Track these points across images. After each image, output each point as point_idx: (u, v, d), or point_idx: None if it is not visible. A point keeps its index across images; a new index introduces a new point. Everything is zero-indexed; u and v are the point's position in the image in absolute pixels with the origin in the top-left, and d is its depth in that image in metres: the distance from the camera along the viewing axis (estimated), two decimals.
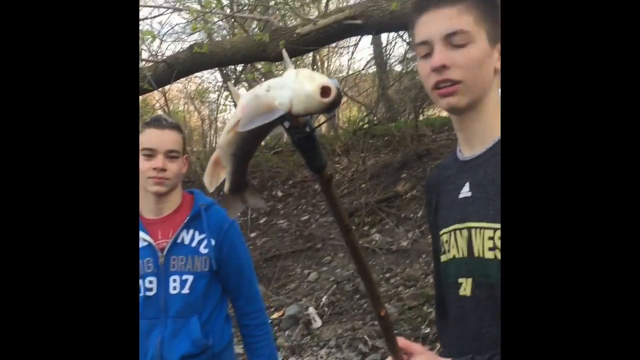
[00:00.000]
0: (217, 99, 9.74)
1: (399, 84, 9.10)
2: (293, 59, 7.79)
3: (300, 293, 5.58)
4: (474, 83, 1.08)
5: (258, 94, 0.85)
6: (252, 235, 7.24)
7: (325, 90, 0.80)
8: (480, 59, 1.07)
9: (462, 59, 1.06)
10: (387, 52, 9.39)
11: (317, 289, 5.53)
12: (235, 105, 1.02)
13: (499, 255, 1.05)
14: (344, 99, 9.76)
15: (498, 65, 1.11)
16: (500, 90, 1.15)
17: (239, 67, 8.19)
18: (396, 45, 9.11)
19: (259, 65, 7.25)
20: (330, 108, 0.82)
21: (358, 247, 1.00)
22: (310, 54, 8.89)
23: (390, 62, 9.56)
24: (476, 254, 1.10)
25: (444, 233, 1.19)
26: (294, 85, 0.81)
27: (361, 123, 8.91)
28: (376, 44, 9.50)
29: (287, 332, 4.87)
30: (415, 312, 4.42)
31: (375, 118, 8.54)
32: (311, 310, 5.03)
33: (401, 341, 1.09)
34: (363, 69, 9.85)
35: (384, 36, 8.75)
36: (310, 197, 7.65)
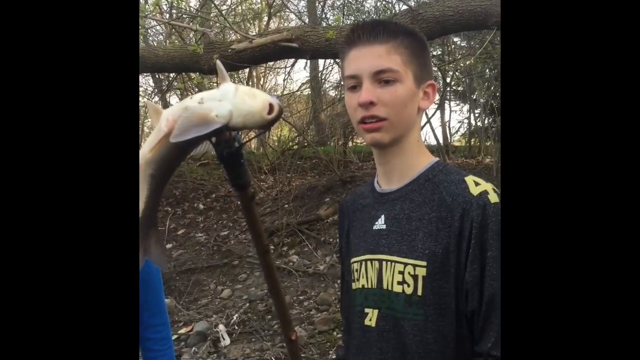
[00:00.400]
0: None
1: (331, 109, 9.24)
2: (227, 73, 7.75)
3: (212, 309, 5.48)
4: (399, 121, 1.11)
5: (189, 106, 0.84)
6: (168, 246, 7.07)
7: (271, 108, 0.83)
8: (405, 98, 1.10)
9: (389, 97, 1.09)
10: (323, 77, 9.53)
11: (229, 306, 5.45)
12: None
13: (407, 290, 1.08)
14: None
15: (422, 104, 1.15)
16: (420, 130, 1.20)
17: (173, 74, 8.05)
18: (332, 70, 9.26)
19: (193, 75, 7.16)
20: (271, 124, 0.85)
21: (274, 269, 1.00)
22: (247, 69, 8.88)
23: (325, 87, 9.71)
24: (385, 287, 1.12)
25: (355, 261, 1.21)
26: (235, 99, 0.82)
27: (291, 144, 8.95)
28: (313, 67, 9.62)
29: (193, 349, 4.75)
30: (325, 336, 4.44)
31: (305, 140, 8.60)
32: (221, 327, 4.94)
33: None
34: (298, 91, 9.94)
35: (320, 61, 8.88)
36: (232, 212, 7.57)
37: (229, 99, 0.83)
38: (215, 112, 0.82)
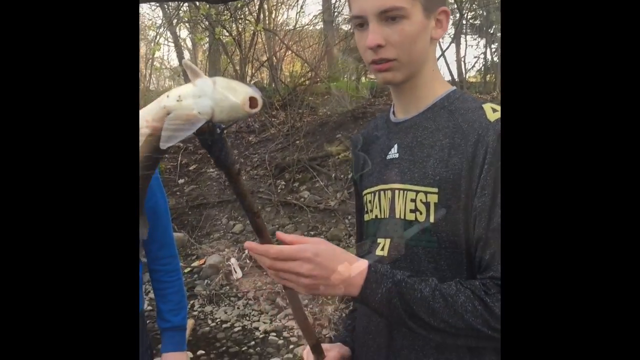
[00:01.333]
0: (155, 37, 9.35)
1: (344, 43, 9.05)
2: (237, 3, 7.54)
3: (224, 243, 5.57)
4: (409, 59, 1.07)
5: (167, 106, 0.84)
6: (180, 181, 7.12)
7: (253, 101, 0.83)
8: (414, 34, 1.06)
9: (397, 36, 1.05)
10: (336, 10, 9.29)
11: (241, 240, 5.53)
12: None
13: (419, 218, 1.07)
14: (288, 52, 9.65)
15: (434, 34, 1.10)
16: (435, 62, 1.16)
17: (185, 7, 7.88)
18: (345, 3, 9.00)
19: (200, 5, 6.99)
20: (253, 115, 0.84)
21: (265, 229, 1.00)
22: (257, 2, 8.65)
23: (338, 21, 9.48)
24: (397, 215, 1.10)
25: (368, 192, 1.20)
26: (215, 95, 0.83)
27: (302, 79, 8.83)
28: None
29: (206, 281, 4.85)
30: None
31: (317, 76, 8.48)
32: (233, 261, 5.02)
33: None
34: (309, 24, 9.74)
35: None
36: (244, 148, 7.57)
37: (208, 95, 0.83)
38: (197, 109, 0.83)
